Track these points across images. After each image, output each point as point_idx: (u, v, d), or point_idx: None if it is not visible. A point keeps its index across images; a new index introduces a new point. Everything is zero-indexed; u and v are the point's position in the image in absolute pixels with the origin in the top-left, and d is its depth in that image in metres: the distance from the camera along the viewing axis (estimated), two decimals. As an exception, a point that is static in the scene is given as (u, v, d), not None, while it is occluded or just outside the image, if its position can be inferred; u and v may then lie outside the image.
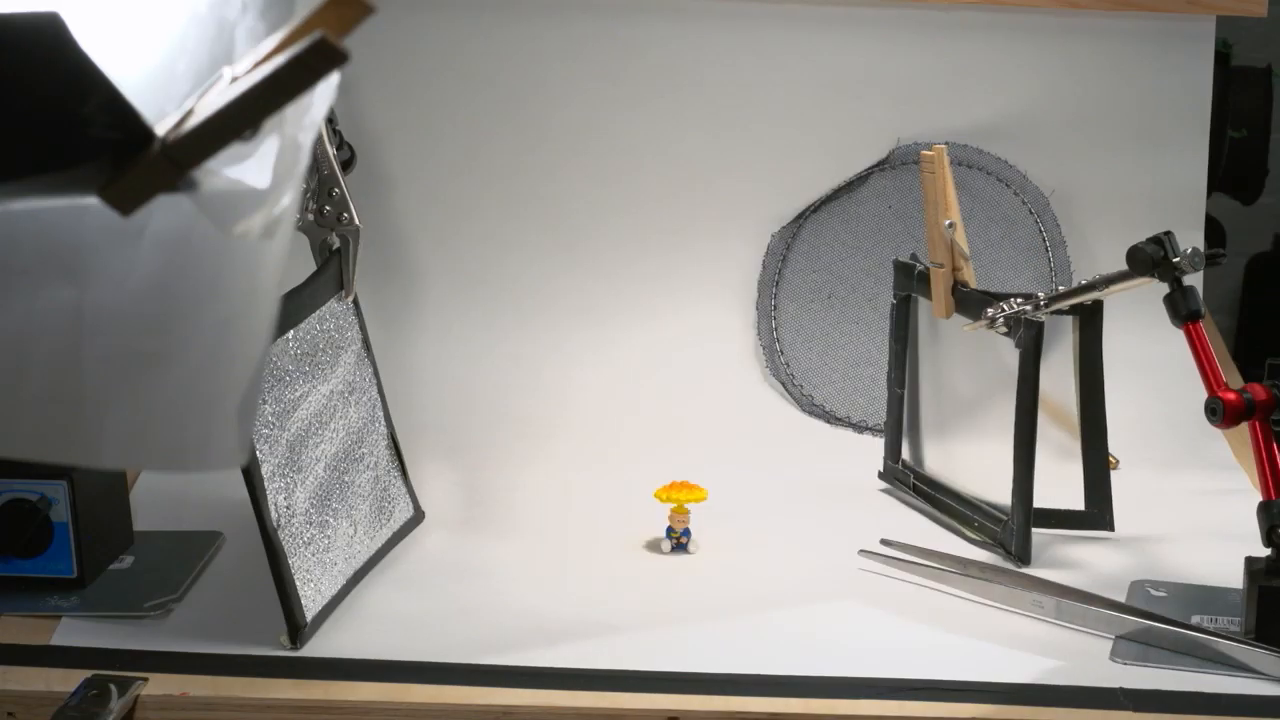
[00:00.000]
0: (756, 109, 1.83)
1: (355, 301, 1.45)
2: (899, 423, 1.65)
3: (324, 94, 0.68)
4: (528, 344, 1.81)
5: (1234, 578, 1.32)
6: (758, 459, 1.70)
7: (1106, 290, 1.45)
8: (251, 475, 1.26)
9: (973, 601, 1.39)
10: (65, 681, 1.22)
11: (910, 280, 1.61)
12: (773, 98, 1.83)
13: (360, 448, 1.44)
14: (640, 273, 1.84)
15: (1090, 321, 1.50)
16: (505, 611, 1.37)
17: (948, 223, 1.52)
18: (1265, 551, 1.29)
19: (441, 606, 1.38)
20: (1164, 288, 1.38)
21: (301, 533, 1.31)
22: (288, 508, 1.29)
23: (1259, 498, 1.30)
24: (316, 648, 1.29)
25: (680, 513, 1.49)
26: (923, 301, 1.60)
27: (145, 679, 1.23)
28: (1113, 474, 1.55)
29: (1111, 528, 1.52)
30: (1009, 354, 1.46)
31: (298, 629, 1.28)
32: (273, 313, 0.72)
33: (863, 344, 1.81)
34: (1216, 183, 2.05)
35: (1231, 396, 1.31)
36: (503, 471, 1.66)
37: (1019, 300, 1.47)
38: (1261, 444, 1.30)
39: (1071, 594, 1.36)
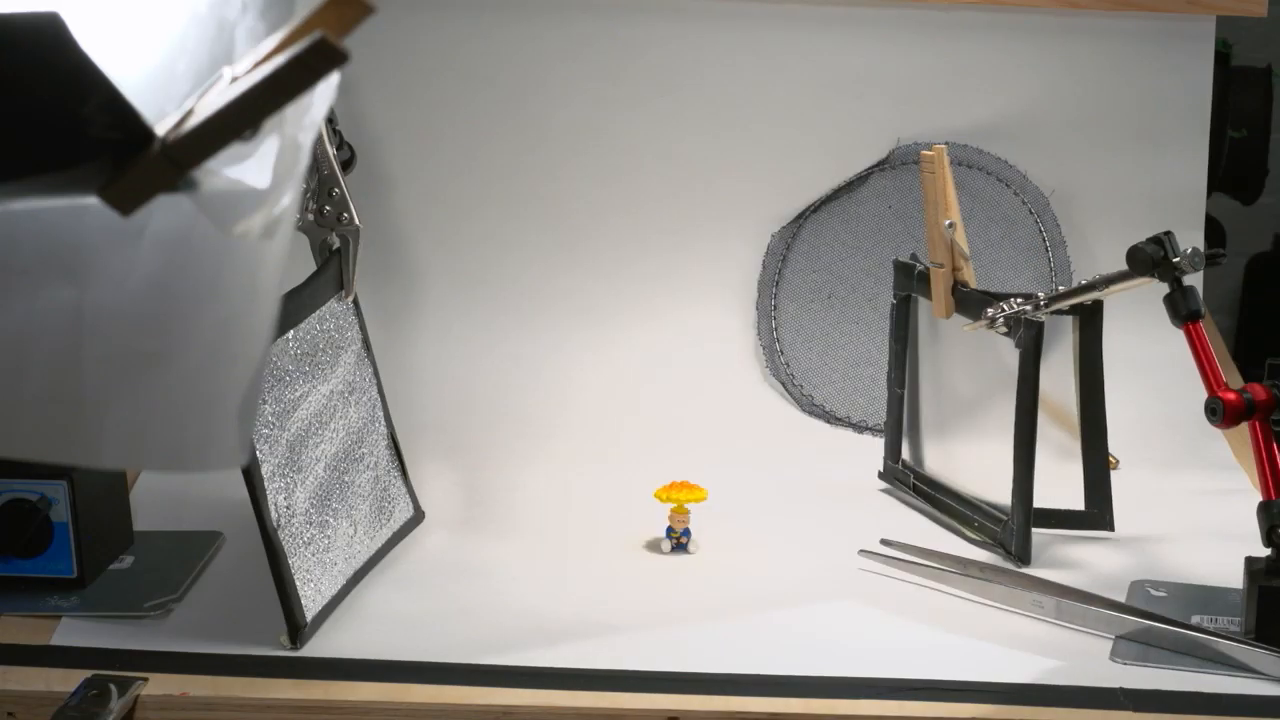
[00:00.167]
0: (756, 109, 1.83)
1: (355, 301, 1.45)
2: (899, 423, 1.65)
3: (324, 94, 0.68)
4: (528, 344, 1.81)
5: (1234, 578, 1.32)
6: (758, 459, 1.70)
7: (1106, 290, 1.45)
8: (251, 475, 1.26)
9: (973, 601, 1.39)
10: (65, 681, 1.22)
11: (910, 280, 1.61)
12: (773, 98, 1.83)
13: (360, 448, 1.44)
14: (640, 273, 1.84)
15: (1090, 321, 1.50)
16: (505, 611, 1.37)
17: (948, 223, 1.52)
18: (1265, 551, 1.29)
19: (441, 606, 1.38)
20: (1164, 288, 1.38)
21: (301, 533, 1.31)
22: (288, 508, 1.29)
23: (1259, 498, 1.30)
24: (316, 648, 1.29)
25: (680, 513, 1.49)
26: (923, 301, 1.60)
27: (145, 679, 1.23)
28: (1113, 474, 1.55)
29: (1111, 528, 1.52)
30: (1009, 354, 1.46)
31: (298, 629, 1.28)
32: (273, 313, 0.72)
33: (863, 344, 1.81)
34: (1216, 183, 2.05)
35: (1231, 396, 1.31)
36: (503, 471, 1.66)
37: (1019, 300, 1.47)
38: (1261, 444, 1.30)
39: (1071, 594, 1.36)
